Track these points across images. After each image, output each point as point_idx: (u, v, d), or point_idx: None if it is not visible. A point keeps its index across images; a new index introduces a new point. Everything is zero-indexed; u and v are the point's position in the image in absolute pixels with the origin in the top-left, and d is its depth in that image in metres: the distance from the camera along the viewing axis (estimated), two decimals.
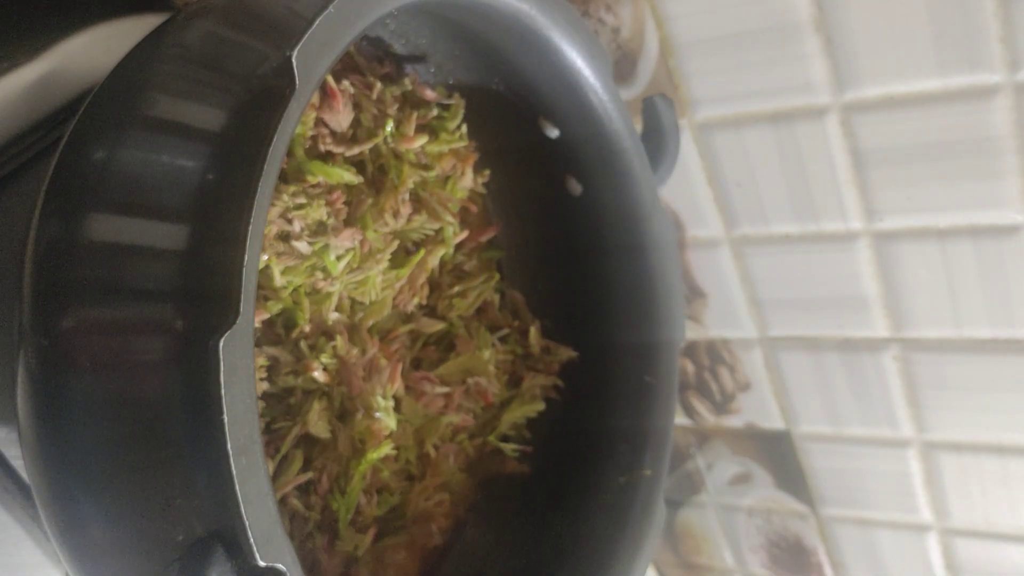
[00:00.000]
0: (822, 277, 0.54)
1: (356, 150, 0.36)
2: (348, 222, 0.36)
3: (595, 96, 0.40)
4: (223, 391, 0.22)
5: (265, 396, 0.34)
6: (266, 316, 0.33)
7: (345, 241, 0.35)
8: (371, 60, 0.40)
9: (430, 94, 0.41)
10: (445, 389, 0.41)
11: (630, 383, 0.44)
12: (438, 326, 0.42)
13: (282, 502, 0.34)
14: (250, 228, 0.23)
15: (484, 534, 0.44)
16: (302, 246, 0.33)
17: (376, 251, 0.37)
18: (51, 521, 0.25)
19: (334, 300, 0.35)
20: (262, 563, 0.22)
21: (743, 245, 0.55)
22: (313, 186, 0.34)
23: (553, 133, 0.42)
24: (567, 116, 0.41)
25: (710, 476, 0.68)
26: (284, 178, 0.34)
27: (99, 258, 0.24)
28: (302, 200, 0.33)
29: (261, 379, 0.33)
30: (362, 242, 0.36)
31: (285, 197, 0.33)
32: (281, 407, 0.35)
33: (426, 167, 0.40)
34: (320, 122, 0.36)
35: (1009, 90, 0.44)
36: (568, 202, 0.44)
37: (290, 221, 0.33)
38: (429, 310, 0.43)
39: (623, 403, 0.44)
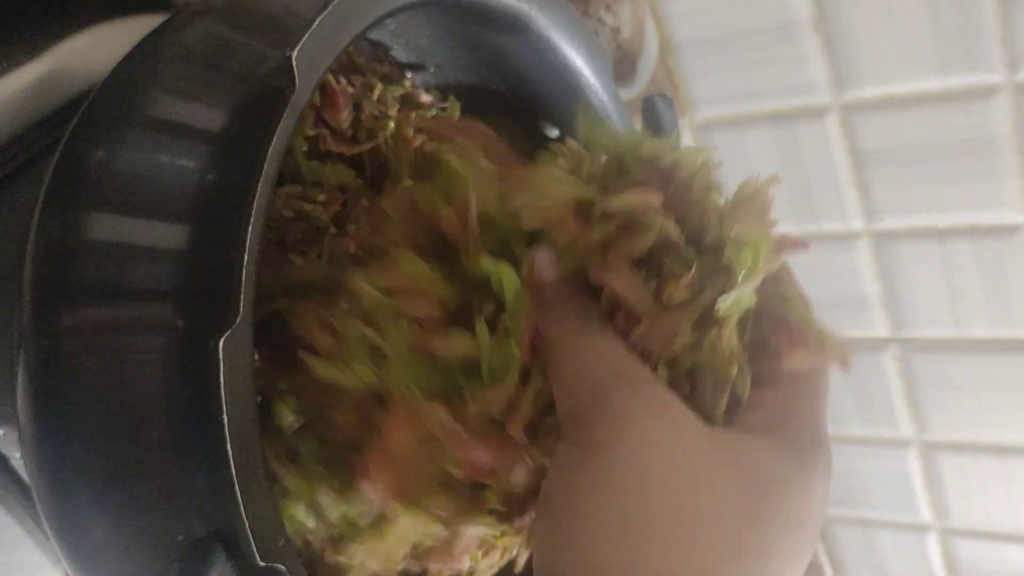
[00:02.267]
0: (822, 277, 0.54)
1: (357, 150, 0.36)
2: (340, 223, 0.36)
3: (595, 96, 0.40)
4: (223, 391, 0.22)
5: None
6: None
7: None
8: (371, 60, 0.40)
9: (425, 97, 0.41)
10: None
11: None
12: None
13: None
14: (250, 228, 0.23)
15: None
16: None
17: None
18: (51, 521, 0.25)
19: None
20: (262, 563, 0.22)
21: None
22: (315, 185, 0.34)
23: (553, 133, 0.42)
24: (567, 116, 0.41)
25: None
26: (281, 180, 0.33)
27: (99, 258, 0.24)
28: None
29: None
30: None
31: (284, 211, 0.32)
32: None
33: None
34: (320, 122, 0.36)
35: (1009, 90, 0.44)
36: None
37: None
38: None
39: None
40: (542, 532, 0.24)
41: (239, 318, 0.22)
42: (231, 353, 0.22)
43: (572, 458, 0.24)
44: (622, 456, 0.23)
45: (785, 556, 0.24)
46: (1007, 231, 0.47)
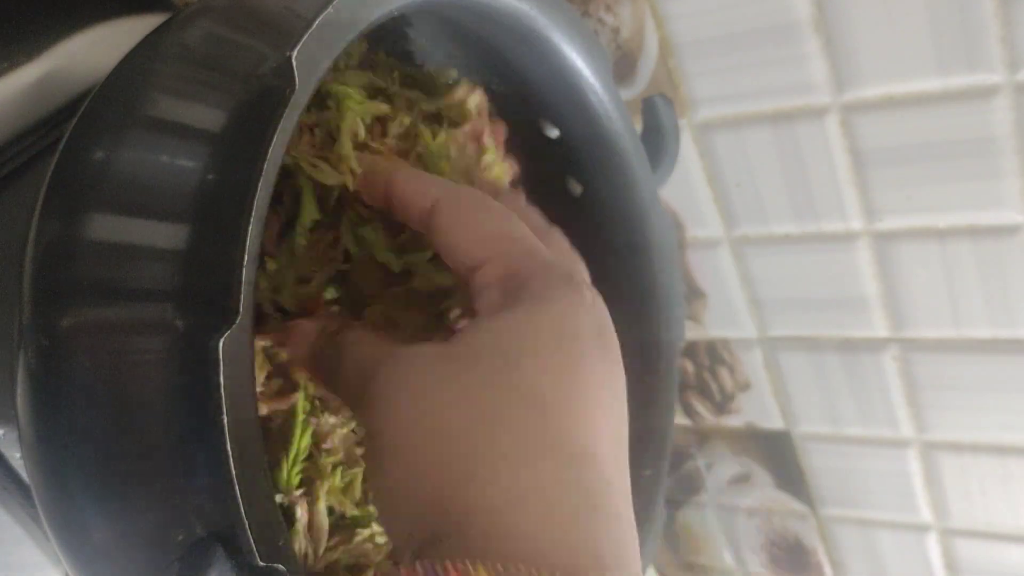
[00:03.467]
0: (822, 277, 0.54)
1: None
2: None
3: (595, 96, 0.40)
4: (223, 391, 0.22)
5: None
6: None
7: None
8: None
9: None
10: None
11: (630, 383, 0.44)
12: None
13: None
14: (250, 228, 0.23)
15: None
16: None
17: None
18: (51, 521, 0.25)
19: None
20: (262, 563, 0.22)
21: (743, 245, 0.55)
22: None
23: (553, 133, 0.42)
24: (567, 116, 0.41)
25: (710, 476, 0.68)
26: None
27: (99, 258, 0.24)
28: None
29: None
30: None
31: None
32: None
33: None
34: None
35: (1009, 90, 0.44)
36: (568, 202, 0.44)
37: None
38: None
39: None
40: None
41: (239, 318, 0.22)
42: (231, 353, 0.22)
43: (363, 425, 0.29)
44: (387, 420, 0.26)
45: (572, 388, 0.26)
46: (1007, 231, 0.47)
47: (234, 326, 0.22)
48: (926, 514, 0.60)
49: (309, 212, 0.31)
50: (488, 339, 0.26)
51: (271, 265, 0.31)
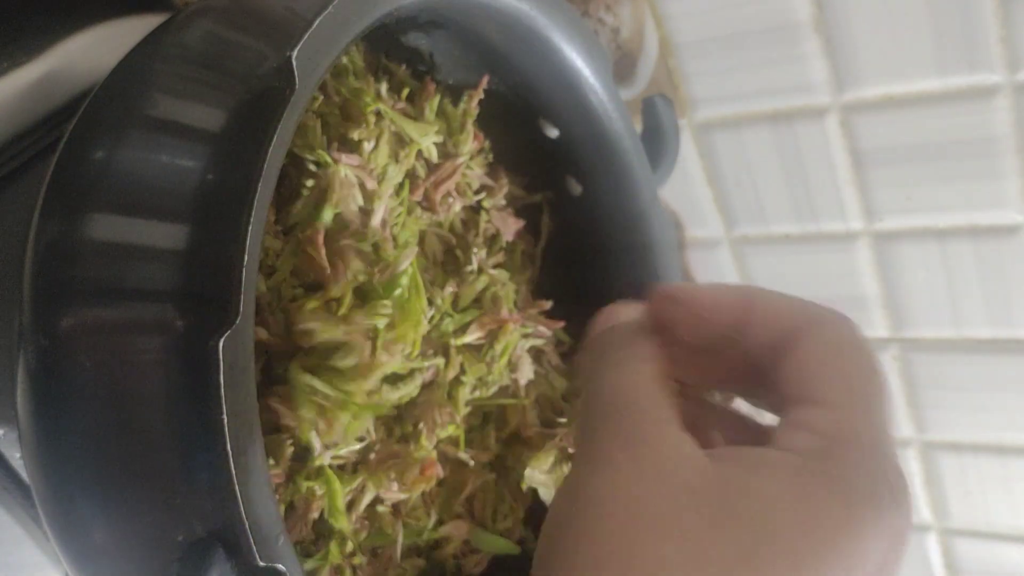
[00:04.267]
0: (822, 277, 0.54)
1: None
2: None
3: (595, 96, 0.40)
4: (223, 391, 0.22)
5: None
6: None
7: None
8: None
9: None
10: None
11: None
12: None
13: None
14: (250, 228, 0.23)
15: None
16: None
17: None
18: (51, 521, 0.25)
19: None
20: (262, 563, 0.22)
21: (743, 245, 0.55)
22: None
23: (553, 133, 0.42)
24: (567, 116, 0.41)
25: None
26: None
27: (99, 258, 0.24)
28: None
29: None
30: None
31: None
32: None
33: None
34: None
35: (1009, 90, 0.44)
36: (568, 202, 0.44)
37: None
38: None
39: None
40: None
41: (239, 318, 0.22)
42: (231, 353, 0.22)
43: (560, 490, 0.24)
44: (588, 500, 0.23)
45: None
46: (1007, 231, 0.47)
47: (234, 326, 0.22)
48: (926, 514, 0.60)
49: (326, 216, 0.32)
50: (772, 498, 0.22)
51: (270, 242, 0.32)
